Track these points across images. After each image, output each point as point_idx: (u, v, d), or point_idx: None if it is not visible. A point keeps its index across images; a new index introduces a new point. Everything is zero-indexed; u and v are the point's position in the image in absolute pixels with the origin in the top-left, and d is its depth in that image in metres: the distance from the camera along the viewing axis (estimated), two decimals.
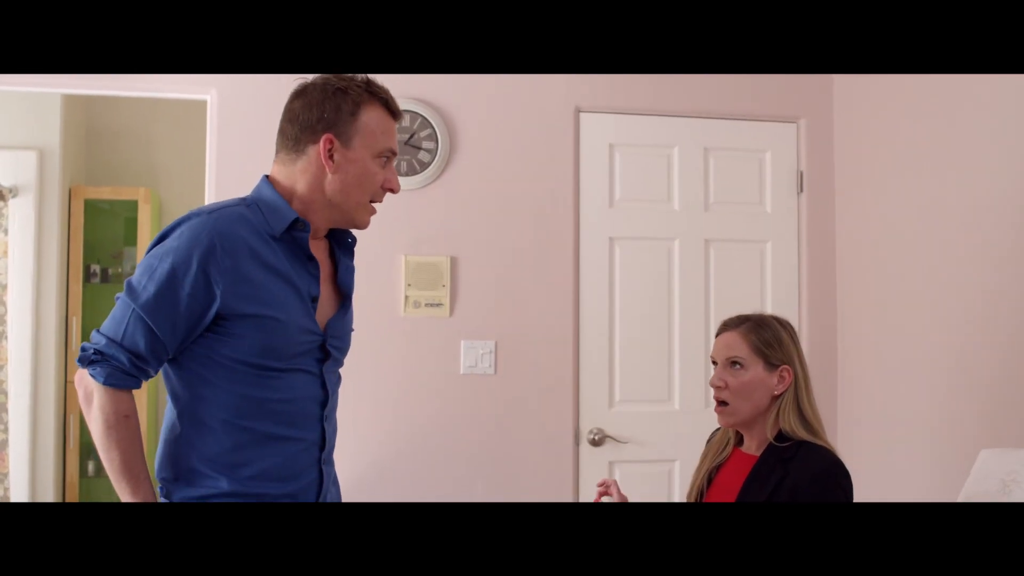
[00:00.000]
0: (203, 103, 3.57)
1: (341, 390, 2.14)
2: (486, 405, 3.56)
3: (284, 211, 1.98)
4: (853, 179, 3.69)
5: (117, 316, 1.88)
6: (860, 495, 2.34)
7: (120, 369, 1.85)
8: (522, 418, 3.58)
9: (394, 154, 2.06)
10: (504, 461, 3.56)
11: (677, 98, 3.73)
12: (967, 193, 3.05)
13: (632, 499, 2.43)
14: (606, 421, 3.64)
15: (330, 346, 2.04)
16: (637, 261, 3.70)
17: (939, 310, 3.16)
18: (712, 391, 2.34)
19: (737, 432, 2.36)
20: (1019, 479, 2.29)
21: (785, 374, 2.28)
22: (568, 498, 3.58)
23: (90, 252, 5.22)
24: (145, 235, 5.14)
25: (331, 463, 2.09)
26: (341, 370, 2.15)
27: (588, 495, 3.57)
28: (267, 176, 2.06)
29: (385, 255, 3.51)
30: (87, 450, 5.07)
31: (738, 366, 2.29)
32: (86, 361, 1.87)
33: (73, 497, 4.99)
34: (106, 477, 4.36)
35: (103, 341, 1.87)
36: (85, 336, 4.99)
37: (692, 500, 2.38)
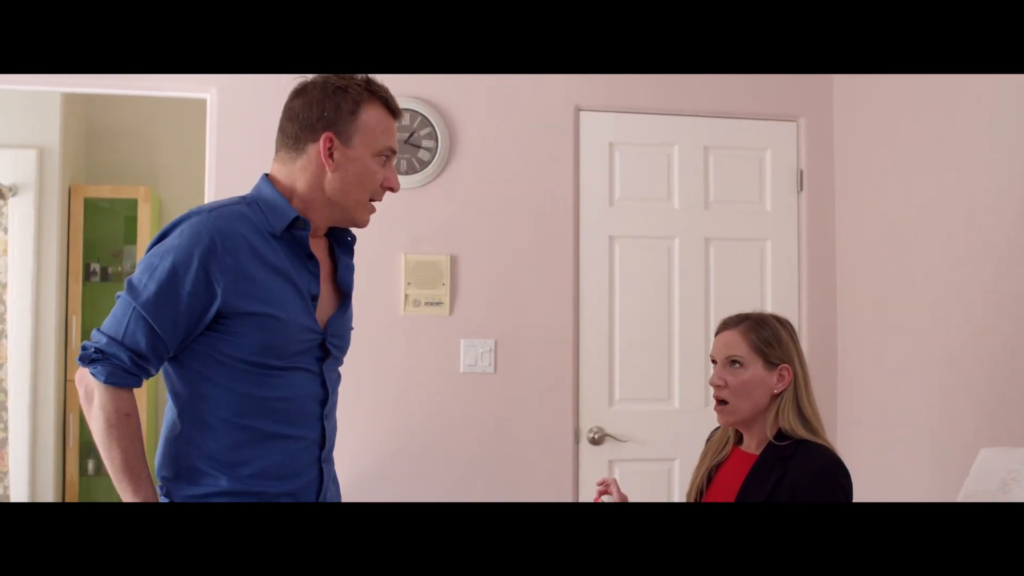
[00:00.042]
0: (203, 102, 3.57)
1: (341, 389, 2.15)
2: (486, 404, 3.56)
3: (284, 209, 1.98)
4: (853, 178, 3.69)
5: (118, 315, 1.88)
6: (860, 494, 2.34)
7: (121, 368, 1.85)
8: (522, 417, 3.58)
9: (394, 153, 2.07)
10: (504, 460, 3.56)
11: (677, 97, 3.73)
12: (967, 192, 3.05)
13: (632, 498, 2.43)
14: (606, 420, 3.64)
15: (330, 344, 2.04)
16: (637, 260, 3.70)
17: (939, 309, 3.16)
18: (712, 390, 2.34)
19: (737, 431, 2.37)
20: (1019, 478, 2.29)
21: (784, 373, 2.28)
22: (568, 497, 3.58)
23: (90, 251, 5.22)
24: (145, 234, 5.14)
25: (331, 461, 2.09)
26: (341, 369, 2.15)
27: (588, 494, 3.57)
28: (267, 175, 2.06)
29: (385, 254, 3.51)
30: (87, 449, 5.07)
31: (738, 365, 2.29)
32: (87, 360, 1.87)
33: (73, 496, 4.99)
34: (106, 475, 4.37)
35: (104, 340, 1.87)
36: (85, 335, 4.98)
37: (692, 499, 2.38)
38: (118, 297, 1.90)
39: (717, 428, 2.44)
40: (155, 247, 1.92)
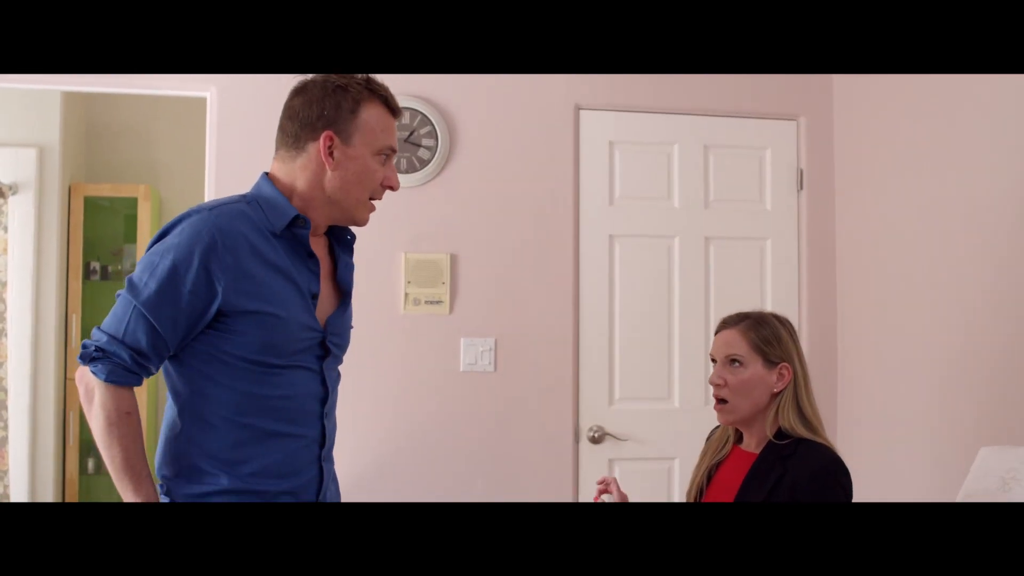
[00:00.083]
0: (203, 100, 3.57)
1: (341, 388, 2.15)
2: (486, 403, 3.56)
3: (284, 208, 1.98)
4: (853, 177, 3.69)
5: (118, 313, 1.88)
6: (860, 493, 2.34)
7: (121, 366, 1.85)
8: (522, 416, 3.58)
9: (394, 151, 2.07)
10: (504, 459, 3.56)
11: (677, 96, 3.73)
12: (967, 191, 3.05)
13: (632, 497, 2.43)
14: (606, 419, 3.64)
15: (330, 343, 2.04)
16: (637, 259, 3.70)
17: (939, 308, 3.16)
18: (711, 389, 2.34)
19: (737, 430, 2.37)
20: (1019, 476, 2.29)
21: (784, 372, 2.28)
22: (568, 496, 3.58)
23: (90, 249, 5.22)
24: (145, 232, 5.14)
25: (331, 460, 2.09)
26: (341, 367, 2.15)
27: (588, 493, 3.58)
28: (267, 173, 2.06)
29: (385, 253, 3.51)
30: (87, 447, 5.07)
31: (737, 364, 2.29)
32: (87, 358, 1.87)
33: (73, 494, 4.99)
34: (106, 474, 4.36)
35: (104, 338, 1.87)
36: (85, 333, 4.98)
37: (692, 498, 2.38)
38: (118, 296, 1.90)
39: (717, 427, 2.44)
40: (155, 245, 1.92)
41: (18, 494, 4.69)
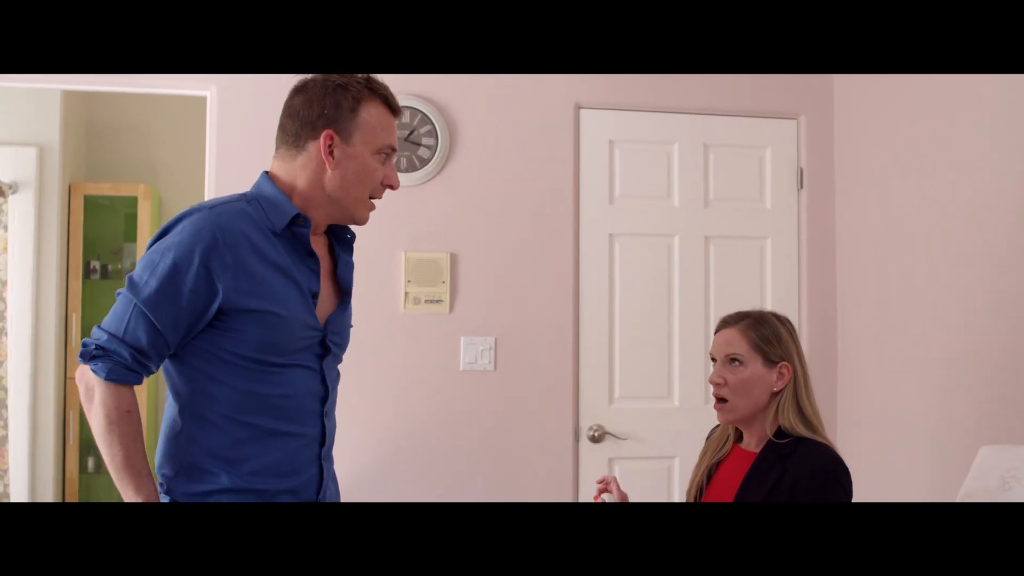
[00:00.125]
0: (203, 99, 3.56)
1: (341, 386, 2.15)
2: (486, 402, 3.56)
3: (285, 207, 1.98)
4: (853, 176, 3.69)
5: (119, 312, 1.88)
6: (860, 492, 2.34)
7: (122, 364, 1.85)
8: (522, 415, 3.58)
9: (394, 150, 2.07)
10: (504, 458, 3.56)
11: (677, 94, 3.73)
12: (967, 191, 3.05)
13: (632, 496, 2.43)
14: (606, 418, 3.64)
15: (330, 342, 2.04)
16: (637, 257, 3.70)
17: (939, 306, 3.16)
18: (711, 388, 2.34)
19: (737, 429, 2.37)
20: (1019, 475, 2.30)
21: (784, 371, 2.28)
22: (568, 495, 3.58)
23: (90, 248, 5.22)
24: (145, 231, 5.14)
25: (330, 459, 2.10)
26: (341, 366, 2.15)
27: (588, 492, 3.58)
28: (267, 172, 2.06)
29: (385, 251, 3.51)
30: (87, 446, 5.07)
31: (737, 363, 2.29)
32: (87, 357, 1.87)
33: (73, 493, 4.99)
34: (106, 473, 4.36)
35: (104, 337, 1.86)
36: (85, 332, 4.98)
37: (692, 497, 2.38)
38: (119, 294, 1.90)
39: (717, 426, 2.44)
40: (156, 244, 1.92)
41: (18, 493, 4.69)
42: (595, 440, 3.62)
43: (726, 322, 2.36)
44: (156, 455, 1.99)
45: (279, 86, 2.21)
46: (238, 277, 1.89)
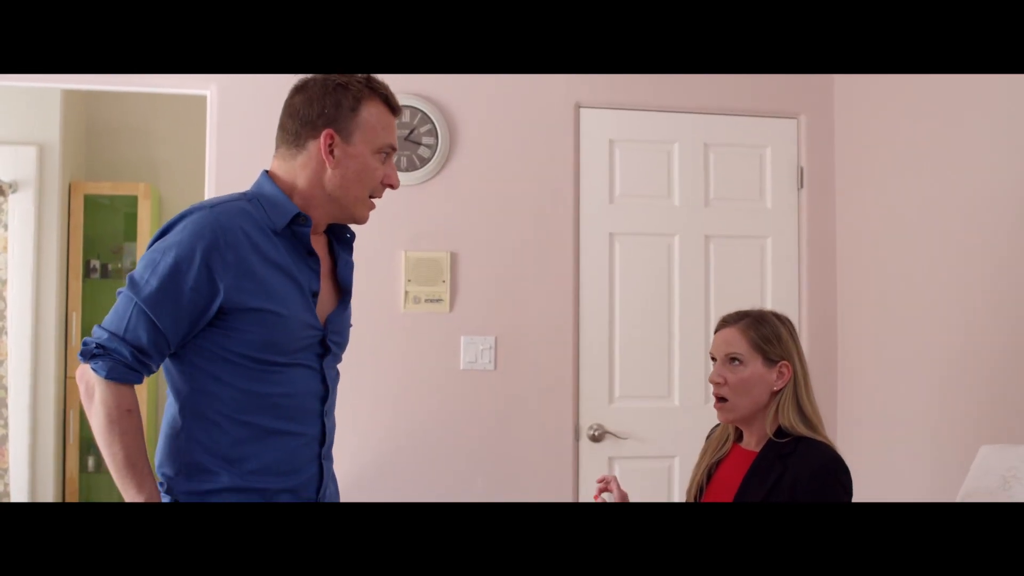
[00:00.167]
0: (203, 98, 3.56)
1: (341, 386, 2.15)
2: (486, 401, 3.56)
3: (285, 206, 1.98)
4: (853, 175, 3.69)
5: (119, 310, 1.88)
6: (860, 492, 2.34)
7: (122, 363, 1.85)
8: (522, 414, 3.58)
9: (394, 150, 2.07)
10: (504, 457, 3.56)
11: (677, 94, 3.73)
12: (967, 190, 3.05)
13: (632, 495, 2.43)
14: (606, 417, 3.64)
15: (330, 341, 2.05)
16: (637, 257, 3.70)
17: (939, 306, 3.16)
18: (711, 387, 2.34)
19: (737, 428, 2.37)
20: (1019, 475, 2.30)
21: (784, 370, 2.28)
22: (568, 494, 3.58)
23: (90, 247, 5.21)
24: (145, 230, 5.14)
25: (330, 458, 2.10)
26: (341, 366, 2.15)
27: (588, 491, 3.58)
28: (267, 171, 2.06)
29: (385, 251, 3.51)
30: (87, 445, 5.07)
31: (737, 362, 2.29)
32: (88, 355, 1.87)
33: (73, 493, 4.99)
34: (106, 472, 4.35)
35: (105, 335, 1.86)
36: (85, 331, 4.98)
37: (692, 496, 2.38)
38: (119, 293, 1.90)
39: (717, 425, 2.44)
40: (157, 243, 1.92)
41: (18, 492, 4.69)
42: (595, 439, 3.62)
43: (726, 321, 2.36)
44: (156, 454, 1.99)
45: (279, 85, 2.21)
46: (239, 276, 1.89)
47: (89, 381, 1.87)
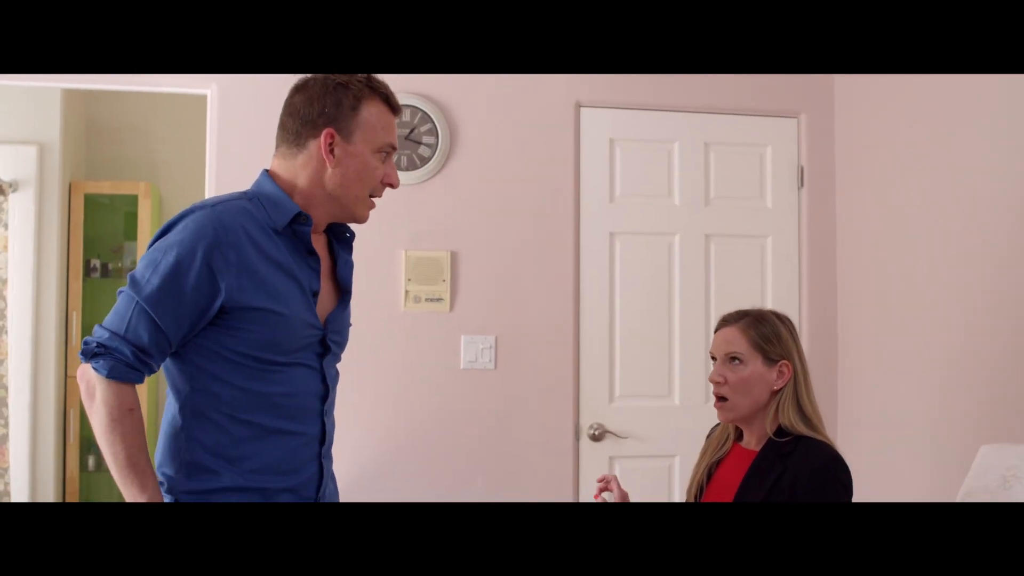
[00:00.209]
0: (203, 98, 3.56)
1: (341, 385, 2.15)
2: (486, 400, 3.56)
3: (286, 205, 1.98)
4: (854, 174, 3.69)
5: (120, 310, 1.87)
6: (860, 492, 2.34)
7: (123, 362, 1.85)
8: (522, 413, 3.58)
9: (394, 149, 2.07)
10: (504, 456, 3.56)
11: (677, 93, 3.73)
12: (967, 190, 3.05)
13: (632, 494, 2.43)
14: (606, 416, 3.64)
15: (330, 340, 2.05)
16: (637, 256, 3.70)
17: (939, 305, 3.16)
18: (712, 386, 2.34)
19: (737, 427, 2.37)
20: (1019, 474, 2.30)
21: (784, 369, 2.28)
22: (568, 493, 3.58)
23: (90, 247, 5.21)
24: (145, 230, 5.14)
25: (330, 458, 2.10)
26: (342, 364, 2.15)
27: (588, 490, 3.58)
28: (267, 170, 2.06)
29: (385, 250, 3.51)
30: (87, 445, 5.07)
31: (737, 361, 2.29)
32: (89, 355, 1.86)
33: (73, 492, 5.00)
34: (106, 472, 4.35)
35: (106, 335, 1.86)
36: (85, 331, 4.98)
37: (692, 496, 2.39)
38: (120, 293, 1.90)
39: (717, 424, 2.44)
40: (158, 242, 1.91)
41: (18, 492, 4.69)
42: (595, 439, 3.62)
43: (726, 320, 2.36)
44: (156, 454, 1.99)
45: (279, 84, 2.21)
46: (240, 275, 1.89)
47: (90, 380, 1.86)
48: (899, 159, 3.40)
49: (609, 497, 2.43)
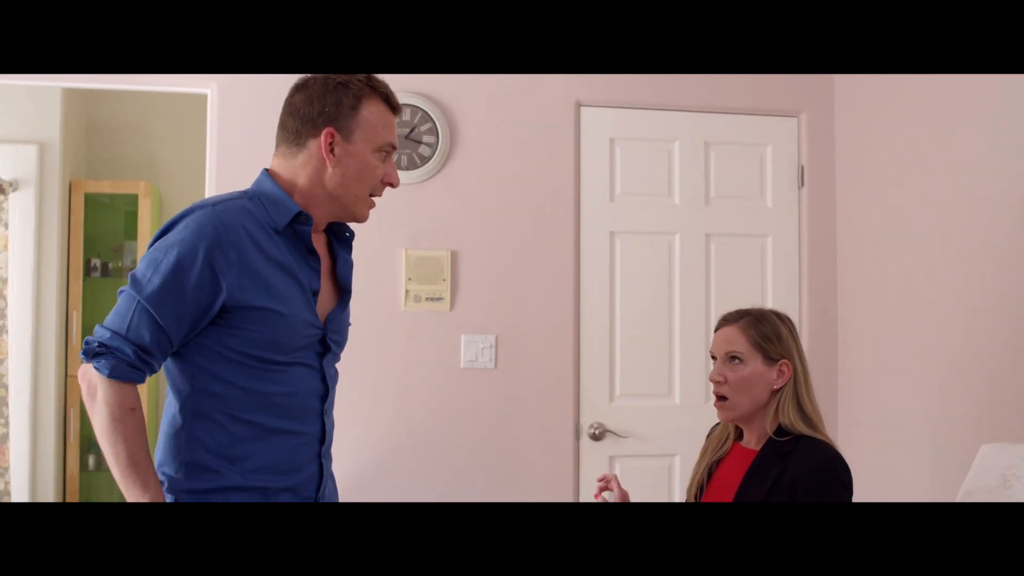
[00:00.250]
0: (203, 97, 3.56)
1: (341, 384, 2.15)
2: (486, 400, 3.56)
3: (287, 204, 1.98)
4: (854, 174, 3.69)
5: (121, 310, 1.87)
6: (860, 492, 2.34)
7: (125, 362, 1.85)
8: (522, 413, 3.58)
9: (394, 148, 2.07)
10: (504, 456, 3.56)
11: (677, 92, 3.73)
12: (968, 189, 3.05)
13: (632, 494, 2.43)
14: (606, 415, 3.65)
15: (330, 340, 2.05)
16: (638, 255, 3.70)
17: (940, 304, 3.16)
18: (712, 386, 2.34)
19: (737, 427, 2.37)
20: (1019, 474, 2.30)
21: (784, 368, 2.28)
22: (568, 493, 3.58)
23: (90, 246, 5.21)
24: (145, 229, 5.14)
25: (329, 457, 2.10)
26: (342, 364, 2.16)
27: (588, 490, 3.58)
28: (267, 169, 2.06)
29: (385, 249, 3.51)
30: (87, 444, 5.07)
31: (737, 361, 2.29)
32: (90, 354, 1.86)
33: (73, 491, 5.00)
34: (106, 471, 4.35)
35: (107, 334, 1.86)
36: (86, 330, 4.98)
37: (692, 495, 2.39)
38: (121, 292, 1.90)
39: (717, 424, 2.44)
40: (158, 241, 1.91)
41: (19, 491, 4.69)
42: (596, 438, 3.62)
43: (726, 320, 2.37)
44: (156, 453, 1.98)
45: (280, 84, 2.21)
46: (242, 274, 1.89)
47: (91, 380, 1.86)
48: (899, 159, 3.40)
49: (609, 496, 2.43)
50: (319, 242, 2.09)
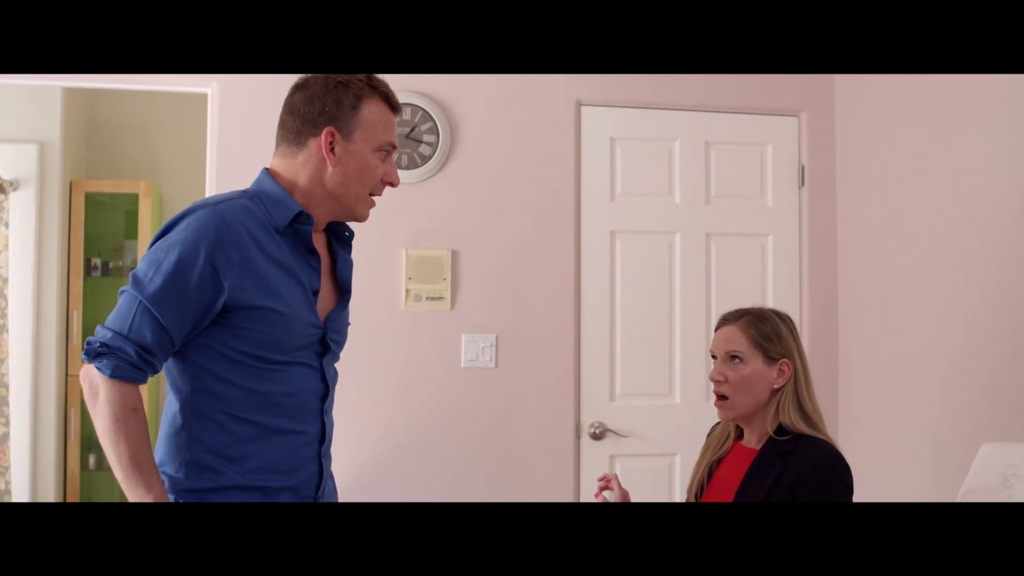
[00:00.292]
0: (204, 96, 3.56)
1: (341, 383, 2.16)
2: (487, 399, 3.56)
3: (287, 204, 1.99)
4: (854, 173, 3.69)
5: (123, 310, 1.87)
6: (860, 491, 2.34)
7: (127, 362, 1.84)
8: (523, 412, 3.58)
9: (394, 148, 2.07)
10: (505, 455, 3.57)
11: (678, 92, 3.73)
12: (968, 188, 3.05)
13: (633, 493, 2.43)
14: (607, 415, 3.65)
15: (330, 340, 2.05)
16: (638, 255, 3.70)
17: (940, 303, 3.16)
18: (712, 385, 2.34)
19: (737, 426, 2.37)
20: (1020, 473, 2.30)
21: (784, 368, 2.28)
22: (569, 492, 3.58)
23: (91, 245, 5.21)
24: (146, 228, 5.14)
25: (329, 457, 2.10)
26: (342, 363, 2.16)
27: (589, 489, 3.58)
28: (267, 169, 2.06)
29: (386, 249, 3.51)
30: (88, 444, 5.07)
31: (737, 360, 2.29)
32: (92, 355, 1.86)
33: (74, 491, 5.00)
34: (107, 470, 4.35)
35: (109, 335, 1.85)
36: (86, 330, 4.99)
37: (692, 494, 2.39)
38: (122, 292, 1.89)
39: (718, 423, 2.44)
40: (159, 241, 1.91)
41: (19, 490, 4.69)
42: (596, 437, 3.62)
43: (726, 319, 2.37)
44: (156, 453, 1.98)
45: (280, 83, 2.21)
46: (243, 274, 1.89)
47: (93, 381, 1.86)
48: (899, 159, 3.40)
49: (610, 496, 2.43)
50: (319, 241, 2.09)
